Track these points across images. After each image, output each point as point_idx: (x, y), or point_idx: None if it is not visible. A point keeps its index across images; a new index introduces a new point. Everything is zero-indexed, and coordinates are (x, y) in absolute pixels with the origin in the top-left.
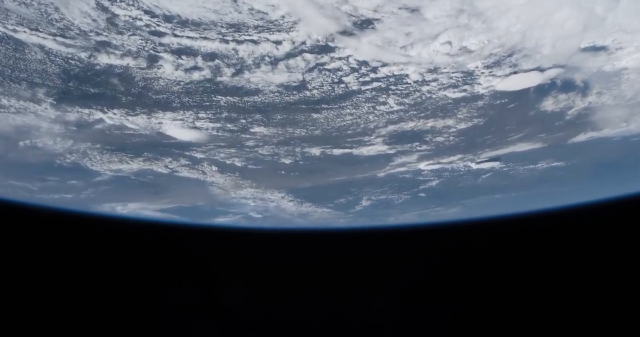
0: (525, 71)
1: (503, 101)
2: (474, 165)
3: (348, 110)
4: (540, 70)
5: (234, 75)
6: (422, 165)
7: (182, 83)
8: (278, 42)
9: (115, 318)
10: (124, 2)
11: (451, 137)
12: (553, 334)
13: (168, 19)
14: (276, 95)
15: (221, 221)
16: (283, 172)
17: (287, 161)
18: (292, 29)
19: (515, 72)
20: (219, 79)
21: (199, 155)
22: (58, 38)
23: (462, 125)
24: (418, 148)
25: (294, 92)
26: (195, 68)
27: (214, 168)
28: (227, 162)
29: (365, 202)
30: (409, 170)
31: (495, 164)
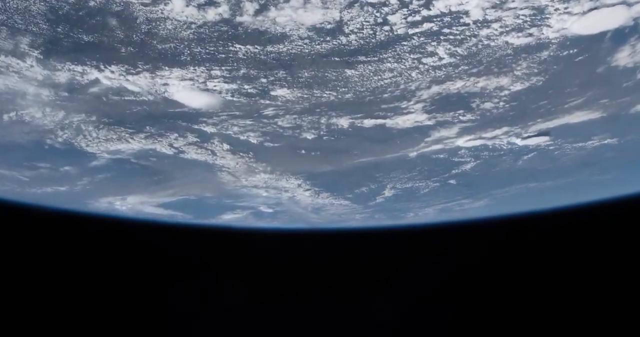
0: (609, 6)
1: (571, 51)
2: (519, 141)
3: (388, 65)
4: (628, 4)
5: (257, 13)
6: (462, 142)
7: (193, 26)
8: None
9: (115, 320)
10: None
11: (501, 103)
12: None
13: None
14: (305, 44)
15: (228, 218)
16: (303, 151)
17: (310, 136)
18: None
19: (596, 8)
20: (238, 18)
21: (209, 130)
22: None
23: (517, 86)
24: (461, 118)
25: (327, 39)
26: (211, 3)
27: (226, 146)
28: (241, 138)
29: (389, 192)
30: (444, 148)
31: (543, 140)
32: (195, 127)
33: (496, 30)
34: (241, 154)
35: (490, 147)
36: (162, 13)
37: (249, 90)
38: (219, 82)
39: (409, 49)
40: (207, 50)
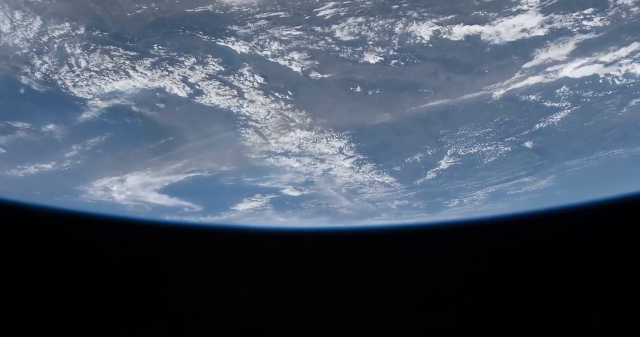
0: None
1: None
2: None
3: None
4: None
5: None
6: (570, 70)
7: None
8: None
9: (116, 322)
10: None
11: None
12: None
13: None
14: None
15: (244, 208)
16: (359, 88)
17: (374, 60)
18: None
19: None
20: None
21: (239, 49)
22: None
23: None
24: (585, 24)
25: None
26: None
27: (259, 81)
28: (281, 63)
29: (446, 163)
30: (542, 83)
31: None
32: (221, 44)
33: None
34: (277, 94)
35: (601, 81)
36: None
37: None
38: None
39: None
40: None
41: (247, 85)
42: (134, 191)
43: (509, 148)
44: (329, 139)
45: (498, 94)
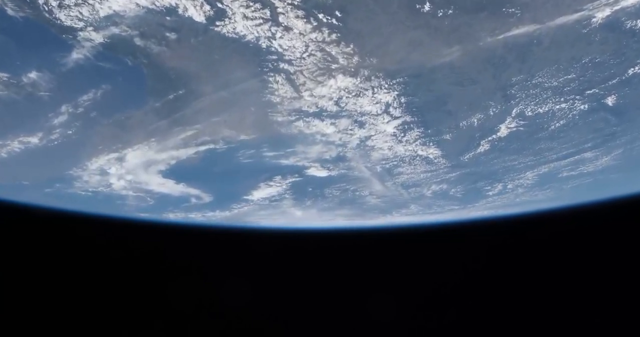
0: None
1: None
2: None
3: None
4: None
5: None
6: None
7: None
8: None
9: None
10: None
11: None
12: None
13: None
14: None
15: (260, 196)
16: (427, 6)
17: None
18: None
19: None
20: None
21: None
22: None
23: None
24: None
25: None
26: None
27: None
28: None
29: (506, 127)
30: None
31: None
32: None
33: None
34: (320, 16)
35: None
36: None
37: None
38: None
39: None
40: None
41: (285, 1)
42: (135, 173)
43: (586, 105)
44: (376, 90)
45: (600, 16)
